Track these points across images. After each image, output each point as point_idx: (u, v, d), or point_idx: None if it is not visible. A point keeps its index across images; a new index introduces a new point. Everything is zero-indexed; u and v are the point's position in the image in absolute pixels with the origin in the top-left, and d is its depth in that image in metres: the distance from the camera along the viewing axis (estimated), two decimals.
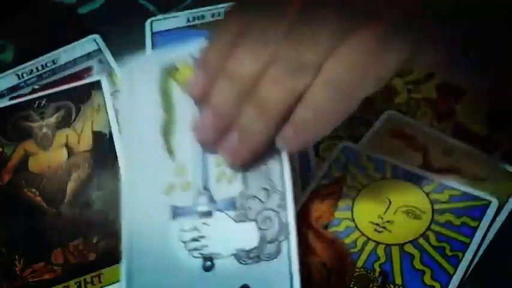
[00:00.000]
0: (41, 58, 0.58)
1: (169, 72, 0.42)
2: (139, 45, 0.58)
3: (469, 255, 0.41)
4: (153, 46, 0.58)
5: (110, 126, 0.51)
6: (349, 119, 0.49)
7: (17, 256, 0.44)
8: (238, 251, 0.39)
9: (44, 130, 0.51)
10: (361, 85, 0.35)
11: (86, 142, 0.50)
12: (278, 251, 0.38)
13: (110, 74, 0.56)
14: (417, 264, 0.41)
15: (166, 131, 0.40)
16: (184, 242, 0.39)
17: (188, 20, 0.60)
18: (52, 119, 0.52)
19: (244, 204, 0.39)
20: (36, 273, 0.43)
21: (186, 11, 0.60)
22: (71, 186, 0.47)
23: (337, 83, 0.35)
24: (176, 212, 0.39)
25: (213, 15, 0.60)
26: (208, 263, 0.38)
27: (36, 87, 0.56)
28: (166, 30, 0.59)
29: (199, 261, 0.38)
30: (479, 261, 0.41)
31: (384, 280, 0.40)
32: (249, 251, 0.38)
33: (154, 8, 0.62)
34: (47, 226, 0.45)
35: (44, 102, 0.53)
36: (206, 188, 0.40)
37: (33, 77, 0.57)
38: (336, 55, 0.35)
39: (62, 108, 0.52)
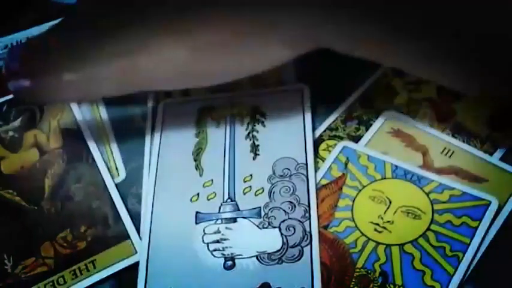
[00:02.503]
0: (16, 34, 0.59)
1: (206, 109, 0.50)
2: None
3: (469, 255, 0.41)
4: None
5: (77, 122, 0.51)
6: (348, 119, 0.49)
7: (5, 255, 0.44)
8: (260, 253, 0.41)
9: (11, 133, 0.51)
10: None
11: (55, 140, 0.50)
12: (301, 255, 0.41)
13: None
14: (417, 265, 0.41)
15: (197, 153, 0.47)
16: (206, 243, 0.42)
17: None
18: (17, 122, 0.52)
19: (268, 214, 0.43)
20: (28, 268, 0.43)
21: None
22: (48, 183, 0.48)
23: None
24: (199, 217, 0.43)
25: None
26: (229, 262, 0.41)
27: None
28: None
29: (220, 261, 0.41)
30: (479, 261, 0.41)
31: (384, 280, 0.40)
32: (272, 254, 0.41)
33: None
34: (31, 223, 0.46)
35: (5, 108, 0.53)
36: (232, 199, 0.44)
37: (5, 53, 0.57)
38: None
39: (25, 111, 0.52)
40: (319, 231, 0.42)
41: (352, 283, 0.40)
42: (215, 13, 0.39)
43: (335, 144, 0.47)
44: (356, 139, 0.48)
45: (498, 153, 0.47)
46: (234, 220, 0.43)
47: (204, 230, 0.43)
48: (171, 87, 0.48)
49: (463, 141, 0.47)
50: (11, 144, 0.50)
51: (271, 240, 0.42)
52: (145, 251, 0.43)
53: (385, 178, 0.45)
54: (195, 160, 0.47)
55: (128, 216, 0.45)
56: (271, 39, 0.40)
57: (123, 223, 0.44)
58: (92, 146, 0.49)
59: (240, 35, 0.40)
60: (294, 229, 0.42)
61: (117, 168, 0.49)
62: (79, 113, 0.52)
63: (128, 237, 0.44)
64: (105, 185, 0.47)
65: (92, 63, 0.41)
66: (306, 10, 0.39)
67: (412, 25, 0.38)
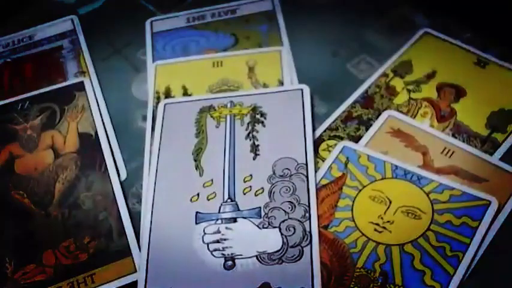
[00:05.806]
0: (19, 33, 0.59)
1: (206, 109, 0.50)
2: (140, 45, 0.58)
3: (469, 255, 0.41)
4: (153, 46, 0.58)
5: (95, 127, 0.51)
6: (348, 119, 0.49)
7: (7, 258, 0.44)
8: (260, 253, 0.41)
9: (29, 132, 0.51)
10: None
11: (72, 143, 0.50)
12: (301, 255, 0.41)
13: (78, 55, 0.56)
14: (417, 265, 0.41)
15: (197, 153, 0.47)
16: (206, 244, 0.42)
17: (188, 20, 0.60)
18: (36, 121, 0.52)
19: (268, 214, 0.43)
20: (28, 274, 0.43)
21: (186, 11, 0.60)
22: (58, 188, 0.47)
23: None
24: (199, 217, 0.44)
25: (212, 15, 0.60)
26: (230, 262, 0.41)
27: (8, 60, 0.57)
28: (166, 30, 0.59)
29: (220, 261, 0.41)
30: (479, 261, 0.41)
31: (384, 280, 0.40)
32: (272, 254, 0.41)
33: (154, 8, 0.62)
34: (36, 228, 0.45)
35: (27, 104, 0.53)
36: (232, 199, 0.44)
37: (7, 51, 0.58)
38: None
39: (46, 109, 0.52)
40: (319, 231, 0.42)
41: (352, 283, 0.40)
42: None
43: (335, 144, 0.47)
44: (356, 139, 0.48)
45: (498, 153, 0.47)
46: (234, 220, 0.43)
47: (204, 230, 0.43)
48: None
49: (463, 141, 0.47)
50: (28, 143, 0.50)
51: (271, 240, 0.42)
52: (146, 251, 0.43)
53: (385, 178, 0.45)
54: (195, 160, 0.47)
55: (133, 231, 0.44)
56: None
57: (126, 238, 0.44)
58: (107, 154, 0.49)
59: None
60: (294, 229, 0.42)
61: (117, 169, 0.49)
62: (98, 117, 0.51)
63: (129, 254, 0.43)
64: (115, 196, 0.46)
65: None
66: None
67: None
